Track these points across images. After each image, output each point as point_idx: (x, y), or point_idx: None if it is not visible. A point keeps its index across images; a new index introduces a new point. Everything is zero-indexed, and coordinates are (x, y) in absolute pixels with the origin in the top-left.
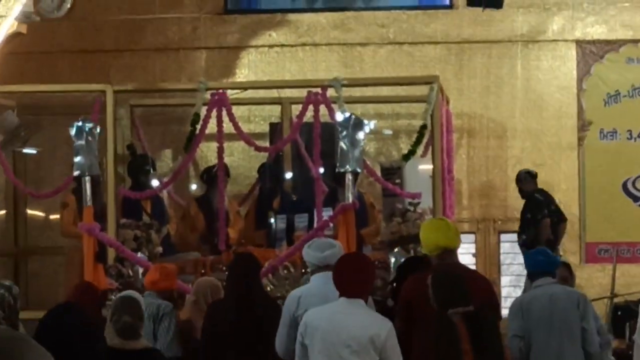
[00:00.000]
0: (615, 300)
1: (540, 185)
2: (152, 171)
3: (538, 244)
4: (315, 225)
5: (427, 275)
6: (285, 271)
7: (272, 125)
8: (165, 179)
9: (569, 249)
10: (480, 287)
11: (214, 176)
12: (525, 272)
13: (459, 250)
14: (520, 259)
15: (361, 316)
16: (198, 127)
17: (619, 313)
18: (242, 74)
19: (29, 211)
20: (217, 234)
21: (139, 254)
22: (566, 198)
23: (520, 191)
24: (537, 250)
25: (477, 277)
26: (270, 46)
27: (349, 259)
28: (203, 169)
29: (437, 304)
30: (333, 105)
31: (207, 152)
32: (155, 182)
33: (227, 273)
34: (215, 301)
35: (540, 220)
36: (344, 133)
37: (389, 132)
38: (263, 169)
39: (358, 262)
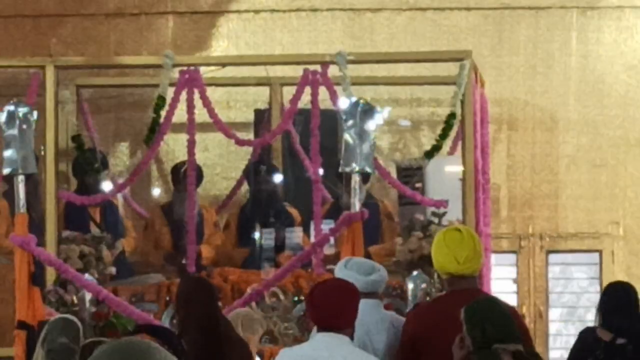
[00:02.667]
0: None
1: (602, 190)
2: (103, 170)
3: None
4: (312, 240)
5: (433, 306)
6: (274, 299)
7: (258, 112)
8: (121, 181)
9: None
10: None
11: (183, 178)
12: (579, 303)
13: (496, 274)
14: (574, 286)
15: (345, 355)
16: (163, 113)
17: None
18: (220, 47)
19: None
20: (186, 251)
21: (86, 276)
22: (633, 208)
23: None
24: None
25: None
26: (257, 11)
27: (327, 283)
28: (171, 167)
29: (476, 342)
30: (336, 88)
31: (174, 146)
32: (107, 185)
33: (178, 303)
34: None
35: None
36: (350, 123)
37: (407, 122)
38: (253, 169)
39: (338, 287)
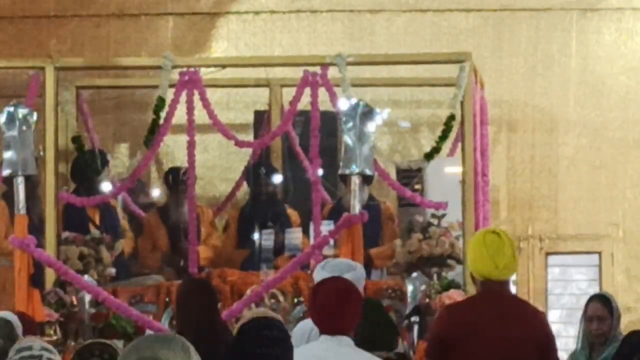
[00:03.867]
0: None
1: (602, 191)
2: (103, 171)
3: None
4: (311, 242)
5: (465, 306)
6: (273, 300)
7: (257, 113)
8: (120, 182)
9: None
10: (531, 330)
11: (181, 180)
12: (579, 305)
13: None
14: (573, 288)
15: (351, 357)
16: (163, 115)
17: None
18: (220, 48)
19: None
20: (184, 252)
21: (86, 277)
22: (633, 209)
23: None
24: None
25: (528, 314)
26: (256, 12)
27: (329, 285)
28: (167, 169)
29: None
30: (336, 89)
31: (173, 148)
32: (107, 186)
33: (178, 305)
34: None
35: None
36: (350, 124)
37: (406, 124)
38: (253, 170)
39: (341, 289)
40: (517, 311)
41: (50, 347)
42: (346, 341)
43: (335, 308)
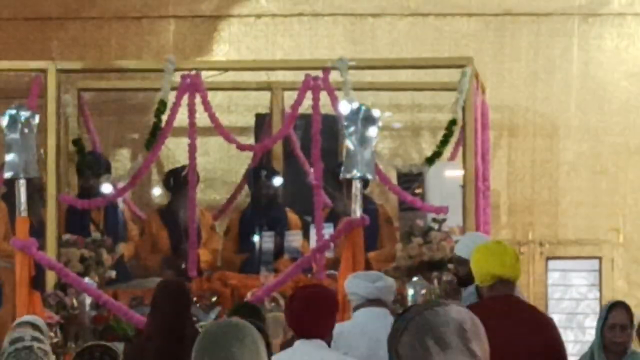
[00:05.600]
0: None
1: (602, 197)
2: (104, 174)
3: None
4: (312, 245)
5: (472, 308)
6: (273, 304)
7: (258, 117)
8: (122, 184)
9: None
10: (541, 336)
11: (182, 182)
12: (579, 309)
13: None
14: (573, 292)
15: (324, 358)
16: (164, 118)
17: None
18: (221, 51)
19: None
20: (185, 255)
21: (86, 279)
22: (633, 215)
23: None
24: None
25: (537, 320)
26: (258, 16)
27: (306, 292)
28: (167, 171)
29: None
30: (337, 93)
31: (175, 150)
32: (108, 188)
33: (151, 307)
34: (137, 341)
35: None
36: (351, 129)
37: (398, 124)
38: (254, 173)
39: (316, 297)
40: (527, 316)
41: (40, 336)
42: (320, 344)
43: (310, 315)
